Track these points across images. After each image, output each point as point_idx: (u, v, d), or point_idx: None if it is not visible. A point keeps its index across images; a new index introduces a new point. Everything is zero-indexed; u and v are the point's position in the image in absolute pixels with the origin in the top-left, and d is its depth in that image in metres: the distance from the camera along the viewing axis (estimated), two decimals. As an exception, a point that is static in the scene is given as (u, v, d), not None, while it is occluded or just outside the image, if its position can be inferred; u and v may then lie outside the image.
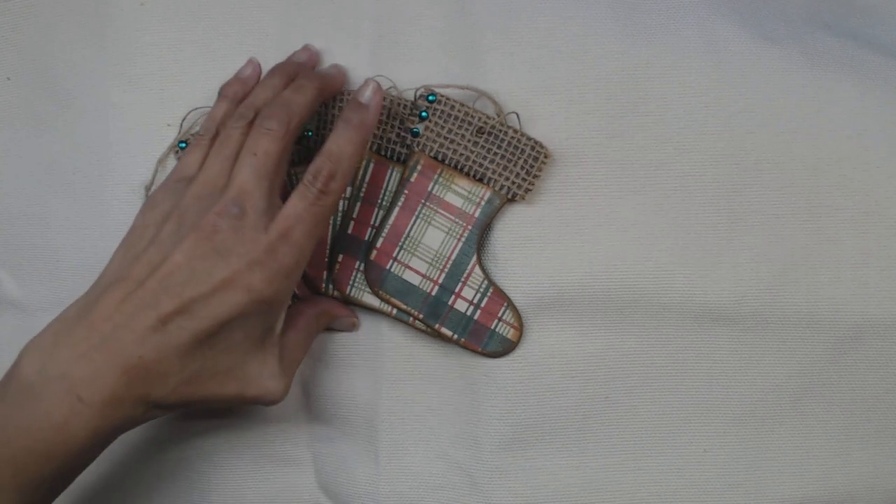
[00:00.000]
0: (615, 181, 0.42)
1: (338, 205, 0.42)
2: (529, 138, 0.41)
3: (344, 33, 0.44)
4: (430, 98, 0.41)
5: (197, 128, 0.44)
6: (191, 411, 0.44)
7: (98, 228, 0.45)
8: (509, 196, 0.41)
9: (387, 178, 0.42)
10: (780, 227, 0.41)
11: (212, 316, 0.34)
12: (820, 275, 0.41)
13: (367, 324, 0.44)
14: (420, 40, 0.43)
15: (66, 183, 0.45)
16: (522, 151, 0.41)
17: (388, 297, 0.42)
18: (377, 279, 0.42)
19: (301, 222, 0.36)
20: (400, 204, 0.42)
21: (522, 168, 0.41)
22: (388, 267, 0.42)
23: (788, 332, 0.41)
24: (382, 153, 0.42)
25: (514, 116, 0.41)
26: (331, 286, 0.43)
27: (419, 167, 0.41)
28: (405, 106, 0.42)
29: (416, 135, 0.42)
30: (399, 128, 0.42)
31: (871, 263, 0.41)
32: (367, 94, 0.39)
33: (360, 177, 0.42)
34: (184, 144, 0.43)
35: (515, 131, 0.41)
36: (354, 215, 0.42)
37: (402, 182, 0.42)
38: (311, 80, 0.39)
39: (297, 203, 0.36)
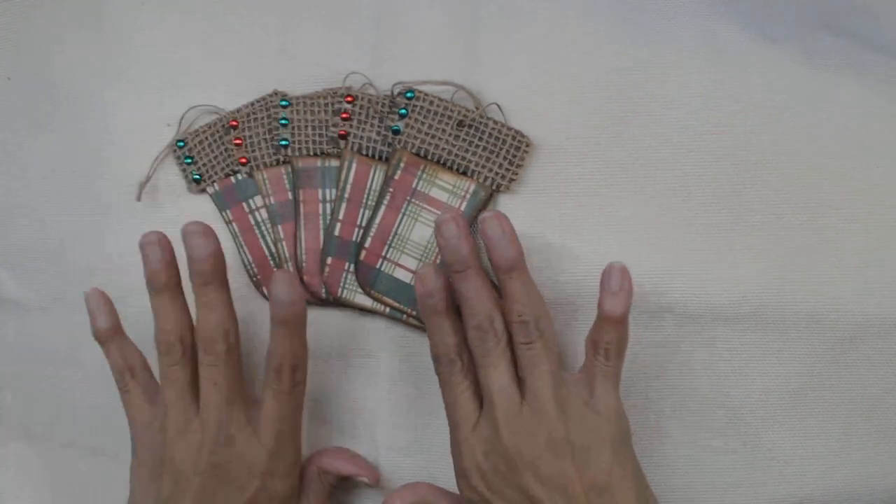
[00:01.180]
0: (615, 181, 0.42)
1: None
2: (510, 128, 0.41)
3: (344, 33, 0.44)
4: (409, 95, 0.41)
5: (195, 127, 0.44)
6: None
7: (98, 228, 0.45)
8: (494, 187, 0.41)
9: (370, 177, 0.42)
10: (781, 227, 0.41)
11: None
12: (820, 275, 0.41)
13: (366, 324, 0.43)
14: (420, 40, 0.43)
15: (66, 183, 0.45)
16: (504, 142, 0.41)
17: (380, 296, 0.42)
18: (368, 279, 0.42)
19: (285, 418, 0.38)
20: (386, 202, 0.42)
21: (505, 158, 0.41)
22: (378, 266, 0.42)
23: (788, 332, 0.41)
24: (364, 153, 0.42)
25: (495, 107, 0.42)
26: (324, 289, 0.43)
27: (402, 164, 0.41)
28: (384, 104, 0.42)
29: (397, 132, 0.42)
30: (379, 126, 0.42)
31: (872, 263, 0.41)
32: (281, 291, 0.37)
33: (343, 177, 0.42)
34: (182, 143, 0.43)
35: (496, 122, 0.41)
36: (340, 217, 0.42)
37: (387, 180, 0.42)
38: (212, 291, 0.37)
39: (274, 404, 0.38)
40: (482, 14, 0.43)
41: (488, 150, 0.41)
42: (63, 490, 0.45)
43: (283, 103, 0.43)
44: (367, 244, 0.42)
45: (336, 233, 0.42)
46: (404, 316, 0.42)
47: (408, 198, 0.42)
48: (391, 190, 0.42)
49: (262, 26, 0.44)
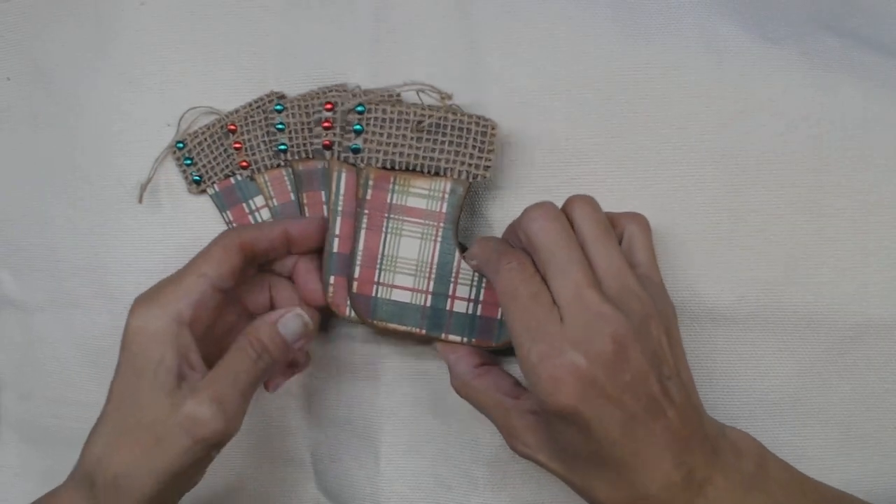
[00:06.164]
0: (615, 181, 0.42)
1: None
2: (471, 116, 0.39)
3: (344, 33, 0.44)
4: (360, 109, 0.40)
5: (195, 127, 0.44)
6: None
7: (98, 228, 0.45)
8: (470, 180, 0.40)
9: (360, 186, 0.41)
10: (780, 226, 0.41)
11: None
12: (820, 275, 0.41)
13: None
14: (420, 40, 0.43)
15: (66, 183, 0.45)
16: (468, 131, 0.39)
17: (384, 323, 0.40)
18: (367, 310, 0.40)
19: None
20: (364, 226, 0.40)
21: (474, 148, 0.39)
22: (373, 294, 0.40)
23: (788, 332, 0.41)
24: (352, 161, 0.41)
25: (452, 98, 0.41)
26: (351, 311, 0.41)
27: (371, 182, 0.40)
28: (342, 126, 0.40)
29: (357, 151, 0.40)
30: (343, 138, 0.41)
31: (871, 263, 0.41)
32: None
33: (334, 189, 0.41)
34: (181, 144, 0.43)
35: (454, 113, 0.39)
36: (337, 232, 0.41)
37: (359, 202, 0.40)
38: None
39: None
40: (482, 14, 0.42)
41: (455, 143, 0.39)
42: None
43: (278, 108, 0.42)
44: (356, 274, 0.40)
45: (335, 249, 0.41)
46: (414, 337, 0.41)
47: (386, 214, 0.40)
48: (366, 212, 0.40)
49: (263, 27, 0.44)
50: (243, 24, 0.44)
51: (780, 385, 0.42)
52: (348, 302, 0.41)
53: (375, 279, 0.40)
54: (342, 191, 0.41)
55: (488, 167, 0.40)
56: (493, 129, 0.39)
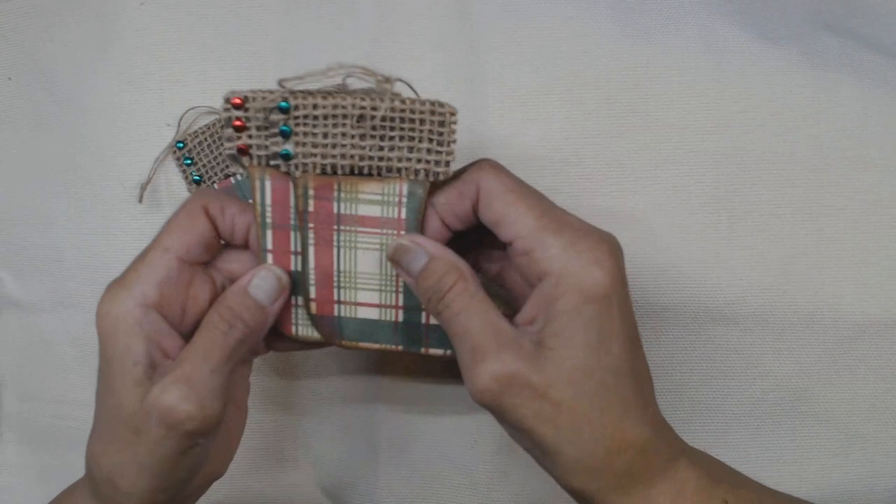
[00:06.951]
0: (615, 181, 0.42)
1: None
2: (423, 102, 0.33)
3: (344, 33, 0.44)
4: (283, 106, 0.33)
5: (195, 127, 0.44)
6: None
7: (98, 228, 0.45)
8: (431, 178, 0.34)
9: (291, 191, 0.35)
10: (780, 226, 0.41)
11: None
12: (820, 275, 0.41)
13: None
14: (420, 40, 0.43)
15: (66, 183, 0.45)
16: (422, 122, 0.33)
17: (355, 343, 0.36)
18: (333, 331, 0.36)
19: None
20: (311, 242, 0.35)
21: (430, 141, 0.33)
22: (336, 314, 0.35)
23: (788, 332, 0.41)
24: (283, 170, 0.35)
25: (399, 83, 0.34)
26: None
27: (311, 191, 0.34)
28: (260, 127, 0.33)
29: (288, 157, 0.34)
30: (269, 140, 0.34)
31: (871, 263, 0.41)
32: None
33: (259, 200, 0.35)
34: (181, 144, 0.43)
35: (403, 101, 0.33)
36: (269, 246, 0.35)
37: (301, 216, 0.34)
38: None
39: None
40: (482, 14, 0.42)
41: (406, 137, 0.33)
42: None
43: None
44: (312, 295, 0.35)
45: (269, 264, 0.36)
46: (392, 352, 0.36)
47: (335, 227, 0.34)
48: (312, 225, 0.34)
49: (263, 27, 0.44)
50: (243, 24, 0.44)
51: (779, 385, 0.42)
52: (294, 320, 0.36)
53: (335, 298, 0.35)
54: (268, 200, 0.35)
55: (449, 162, 0.33)
56: (452, 115, 0.33)
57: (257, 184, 0.34)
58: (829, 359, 0.41)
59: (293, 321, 0.36)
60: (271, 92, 0.33)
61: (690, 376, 0.42)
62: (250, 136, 0.34)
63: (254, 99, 0.33)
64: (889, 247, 0.41)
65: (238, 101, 0.33)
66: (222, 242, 0.36)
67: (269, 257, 0.35)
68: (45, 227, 0.45)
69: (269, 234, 0.35)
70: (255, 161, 0.34)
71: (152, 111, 0.44)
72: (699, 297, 0.41)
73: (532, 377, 0.30)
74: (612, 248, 0.32)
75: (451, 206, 0.34)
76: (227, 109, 0.33)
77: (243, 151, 0.34)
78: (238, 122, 0.34)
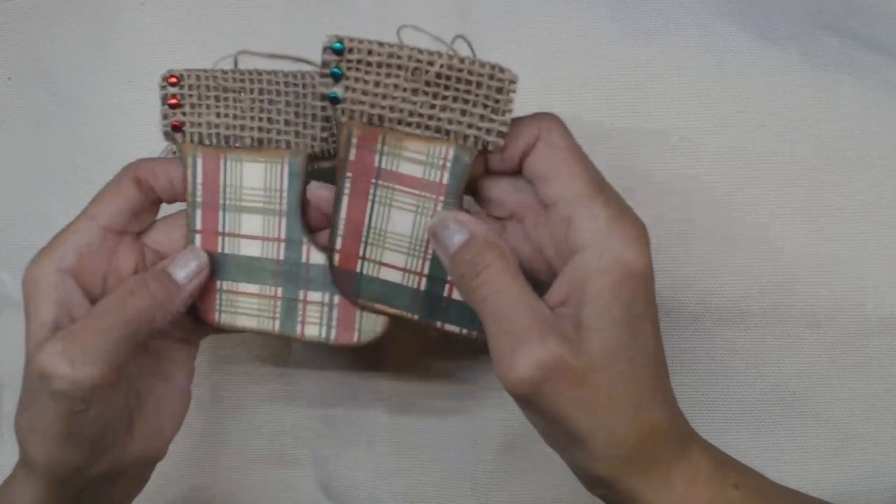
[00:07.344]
0: (615, 181, 0.42)
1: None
2: (483, 64, 0.31)
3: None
4: (337, 47, 0.32)
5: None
6: None
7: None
8: (479, 147, 0.32)
9: (221, 171, 0.35)
10: (781, 226, 0.41)
11: None
12: (820, 274, 0.41)
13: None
14: (420, 40, 0.43)
15: (66, 183, 0.45)
16: (479, 85, 0.32)
17: (370, 304, 0.34)
18: (351, 287, 0.34)
19: None
20: (347, 191, 0.33)
21: (485, 107, 0.32)
22: (358, 269, 0.34)
23: (788, 332, 0.41)
24: (208, 142, 0.35)
25: (461, 42, 0.33)
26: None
27: (355, 140, 0.33)
28: (225, 78, 0.34)
29: (336, 101, 0.32)
30: (217, 105, 0.35)
31: (871, 263, 0.41)
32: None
33: (189, 179, 0.35)
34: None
35: (463, 60, 0.31)
36: (198, 227, 0.35)
37: (341, 163, 0.33)
38: None
39: None
40: (482, 14, 0.42)
41: (461, 99, 0.32)
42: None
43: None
44: (337, 245, 0.34)
45: (197, 246, 0.36)
46: (408, 321, 0.35)
47: (373, 180, 0.33)
48: (350, 174, 0.33)
49: (263, 27, 0.44)
50: (243, 24, 0.44)
51: (779, 384, 0.42)
52: (217, 306, 0.35)
53: (361, 254, 0.34)
54: (199, 179, 0.35)
55: (502, 133, 0.32)
56: (511, 82, 0.32)
57: (189, 160, 0.35)
58: (829, 359, 0.41)
59: (216, 307, 0.36)
60: (205, 71, 0.35)
61: (690, 376, 0.42)
62: (184, 113, 0.35)
63: (188, 76, 0.34)
64: (889, 247, 0.41)
65: (174, 79, 0.35)
66: (165, 204, 0.36)
67: (198, 238, 0.35)
68: (45, 227, 0.45)
69: (198, 213, 0.35)
70: (188, 138, 0.35)
71: (152, 111, 0.44)
72: (699, 297, 0.41)
73: (574, 362, 0.29)
74: (645, 229, 0.31)
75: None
76: (163, 87, 0.35)
77: (177, 128, 0.35)
78: (173, 100, 0.35)
